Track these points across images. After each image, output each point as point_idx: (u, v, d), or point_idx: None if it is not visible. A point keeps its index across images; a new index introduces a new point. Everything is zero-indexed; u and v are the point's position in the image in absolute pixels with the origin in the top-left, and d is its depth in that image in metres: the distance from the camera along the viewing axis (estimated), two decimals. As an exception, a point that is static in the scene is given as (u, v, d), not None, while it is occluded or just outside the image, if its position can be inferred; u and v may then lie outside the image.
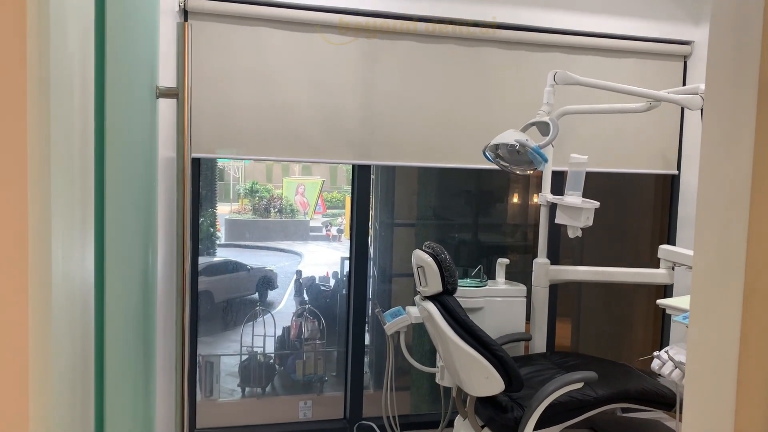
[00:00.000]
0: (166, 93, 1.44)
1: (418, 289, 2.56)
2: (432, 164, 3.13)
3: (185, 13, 2.79)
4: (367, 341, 3.29)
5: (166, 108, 2.69)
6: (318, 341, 4.94)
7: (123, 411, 1.13)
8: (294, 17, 2.87)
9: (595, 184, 3.18)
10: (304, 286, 6.51)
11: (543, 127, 2.66)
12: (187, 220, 1.38)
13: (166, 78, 2.59)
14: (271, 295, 7.41)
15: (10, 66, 0.66)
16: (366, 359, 3.35)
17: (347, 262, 3.28)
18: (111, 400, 1.04)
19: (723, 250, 0.84)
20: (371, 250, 3.56)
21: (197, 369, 3.35)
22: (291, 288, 7.56)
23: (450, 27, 3.03)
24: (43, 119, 0.69)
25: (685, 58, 3.41)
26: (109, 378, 1.03)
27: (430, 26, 3.01)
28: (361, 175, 3.12)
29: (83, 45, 0.87)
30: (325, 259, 9.71)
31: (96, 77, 0.98)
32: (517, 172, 2.79)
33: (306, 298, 6.21)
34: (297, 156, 2.95)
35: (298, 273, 6.88)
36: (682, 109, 3.42)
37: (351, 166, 3.15)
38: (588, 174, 2.81)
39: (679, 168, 3.47)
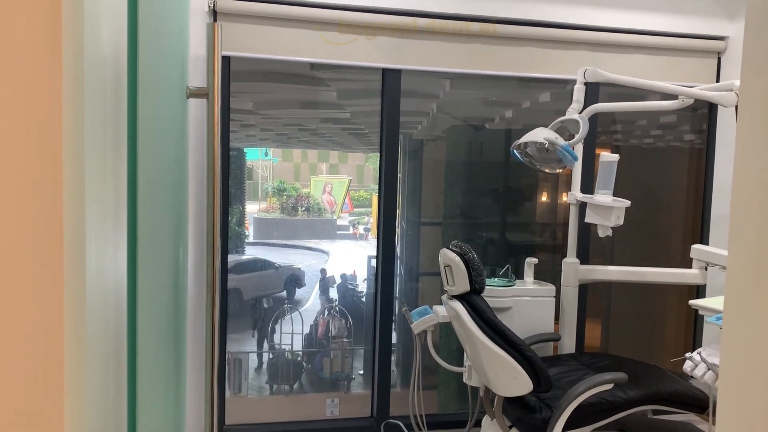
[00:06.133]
0: (197, 93, 1.46)
1: (445, 288, 2.55)
2: (468, 71, 3.09)
3: (214, 14, 2.82)
4: (394, 340, 3.28)
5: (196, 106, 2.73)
6: (345, 339, 4.96)
7: (155, 406, 1.14)
8: (322, 17, 2.88)
9: (626, 183, 3.13)
10: (330, 284, 6.55)
11: (573, 125, 2.63)
12: (217, 217, 1.40)
13: (195, 78, 2.62)
14: (299, 293, 7.47)
15: (46, 67, 0.67)
16: (393, 358, 3.35)
17: (374, 261, 3.29)
18: (143, 396, 1.06)
19: (758, 249, 0.83)
20: (398, 249, 3.56)
21: (226, 366, 3.39)
22: (318, 286, 7.61)
23: (482, 25, 3.02)
24: (77, 119, 0.70)
25: (719, 54, 3.34)
26: (141, 374, 1.05)
27: (459, 23, 3.00)
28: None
29: (116, 46, 0.89)
30: (352, 257, 9.75)
31: (128, 78, 1.00)
32: (546, 171, 2.76)
33: (334, 296, 6.24)
34: (322, 58, 2.94)
35: (322, 272, 6.92)
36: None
37: (378, 165, 3.15)
38: (620, 165, 2.75)
39: None
